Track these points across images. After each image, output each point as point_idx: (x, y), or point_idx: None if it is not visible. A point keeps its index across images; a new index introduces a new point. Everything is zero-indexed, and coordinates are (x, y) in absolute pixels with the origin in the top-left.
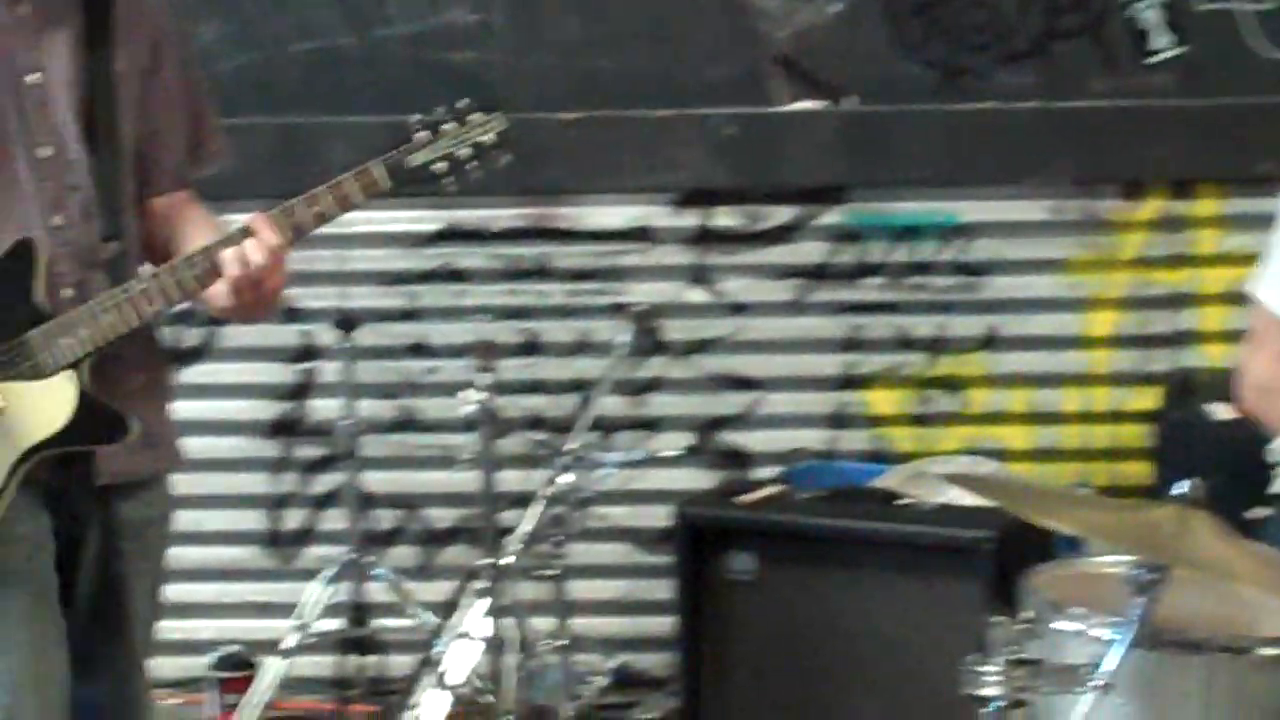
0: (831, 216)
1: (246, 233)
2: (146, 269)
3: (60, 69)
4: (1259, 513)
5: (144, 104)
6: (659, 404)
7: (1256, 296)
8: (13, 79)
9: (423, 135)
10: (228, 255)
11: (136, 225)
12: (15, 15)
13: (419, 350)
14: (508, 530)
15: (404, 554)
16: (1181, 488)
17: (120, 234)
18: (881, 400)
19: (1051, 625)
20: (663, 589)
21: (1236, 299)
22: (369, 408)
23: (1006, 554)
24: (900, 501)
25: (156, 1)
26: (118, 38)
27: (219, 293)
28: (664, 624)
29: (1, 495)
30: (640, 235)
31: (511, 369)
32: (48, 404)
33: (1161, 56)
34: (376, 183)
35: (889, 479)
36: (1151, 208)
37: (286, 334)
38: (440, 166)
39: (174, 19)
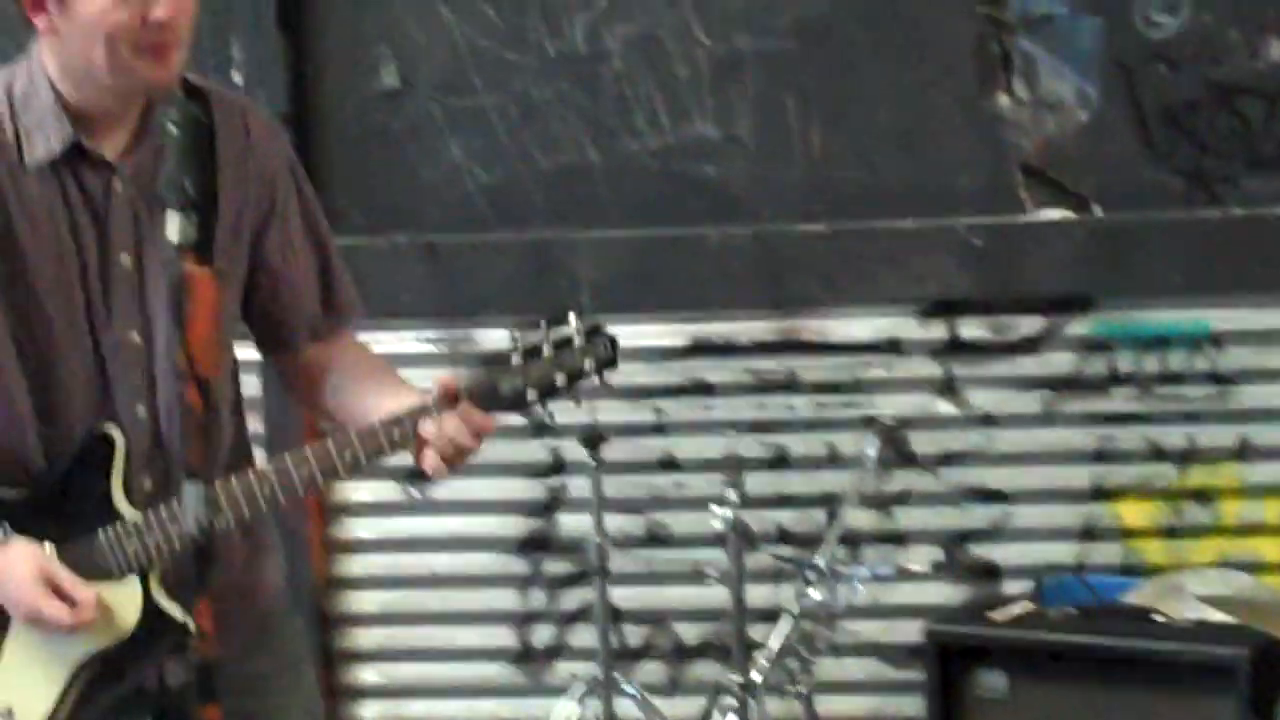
0: (1080, 326)
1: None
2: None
3: (156, 248)
4: None
5: (264, 265)
6: (907, 517)
7: None
8: (104, 259)
9: (518, 361)
10: (429, 437)
11: (235, 422)
12: (110, 190)
13: (667, 465)
14: (757, 646)
15: (653, 670)
16: None
17: (210, 429)
18: (1132, 512)
19: None
20: (912, 706)
21: None
22: (617, 523)
23: (1262, 672)
24: (1152, 618)
25: (275, 155)
26: (226, 201)
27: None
28: None
29: (63, 699)
30: (887, 347)
31: (759, 483)
32: (112, 611)
33: None
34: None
35: (1140, 593)
36: None
37: (535, 450)
38: (531, 395)
39: (295, 170)
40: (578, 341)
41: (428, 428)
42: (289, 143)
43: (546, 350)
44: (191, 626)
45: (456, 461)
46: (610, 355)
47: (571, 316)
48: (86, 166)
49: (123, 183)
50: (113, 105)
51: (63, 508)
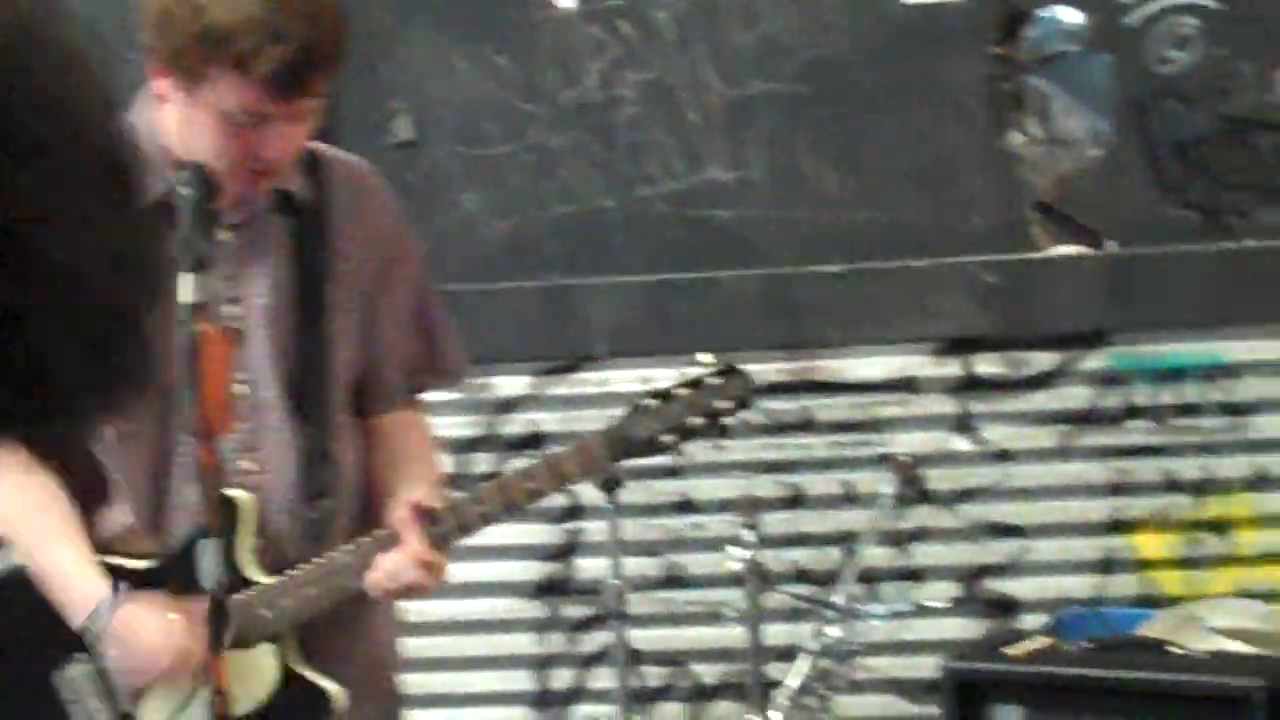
0: (1094, 361)
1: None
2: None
3: (262, 301)
4: None
5: (365, 329)
6: (924, 554)
7: None
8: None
9: (653, 405)
10: (374, 578)
11: (352, 480)
12: (217, 240)
13: (684, 507)
14: (775, 685)
15: (672, 711)
16: None
17: (327, 491)
18: (1149, 544)
19: None
20: None
21: None
22: (635, 565)
23: (1278, 702)
24: (1170, 650)
25: (387, 218)
26: (337, 262)
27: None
28: None
29: None
30: (903, 385)
31: (776, 523)
32: (246, 678)
33: None
34: (595, 461)
35: (1157, 625)
36: None
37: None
38: (668, 438)
39: (405, 232)
40: (711, 381)
41: (372, 576)
42: (401, 207)
43: (681, 392)
44: (333, 692)
45: (403, 596)
46: (745, 393)
47: (701, 356)
48: None
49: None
50: None
51: (189, 574)
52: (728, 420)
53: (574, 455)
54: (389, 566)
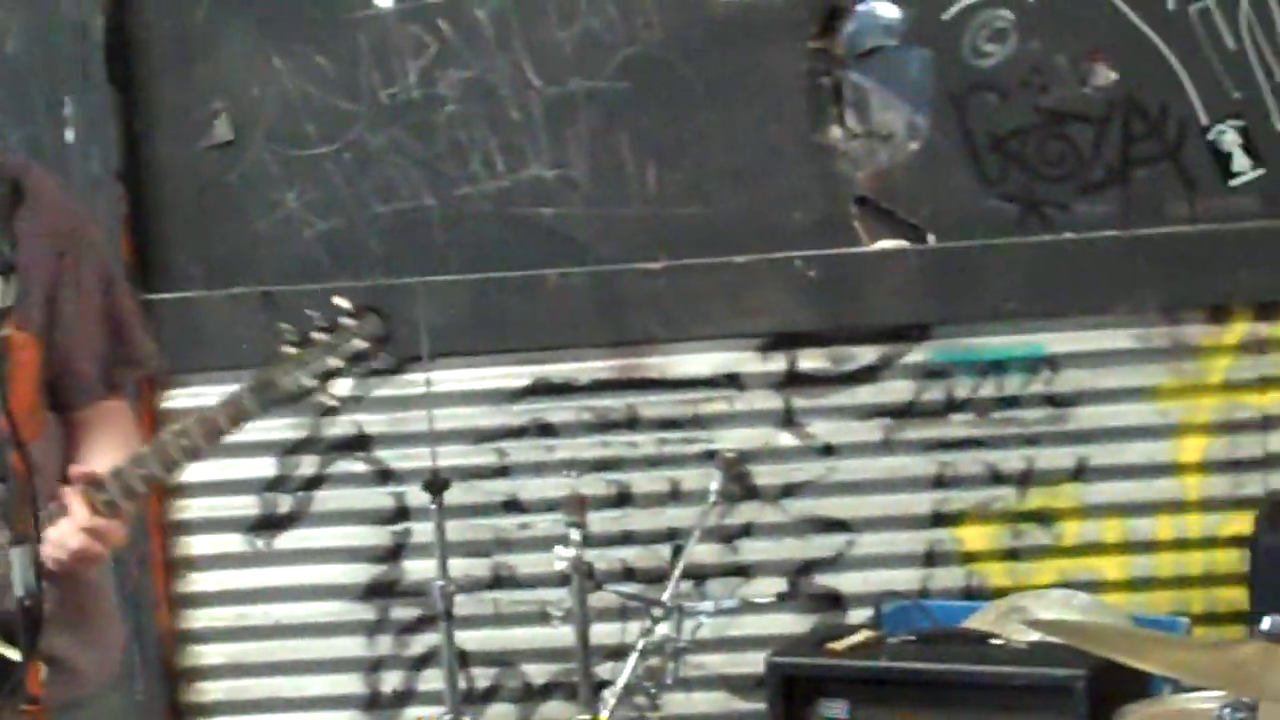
0: (917, 354)
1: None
2: None
3: None
4: None
5: (53, 327)
6: (751, 550)
7: None
8: None
9: (292, 351)
10: (44, 550)
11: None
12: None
13: (511, 506)
14: (604, 683)
15: (502, 712)
16: (1266, 624)
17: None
18: (973, 536)
19: None
20: None
21: None
22: (463, 566)
23: (1100, 692)
24: (991, 642)
25: (62, 217)
26: (32, 266)
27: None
28: None
29: None
30: (728, 382)
31: (603, 521)
32: None
33: (1242, 179)
34: (246, 410)
35: (981, 617)
36: (1237, 331)
37: (379, 497)
38: (311, 383)
39: (86, 230)
40: (347, 323)
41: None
42: (81, 206)
43: (319, 336)
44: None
45: (76, 564)
46: (381, 331)
47: (336, 299)
48: None
49: None
50: None
51: None
52: (366, 361)
53: (224, 408)
54: (55, 536)
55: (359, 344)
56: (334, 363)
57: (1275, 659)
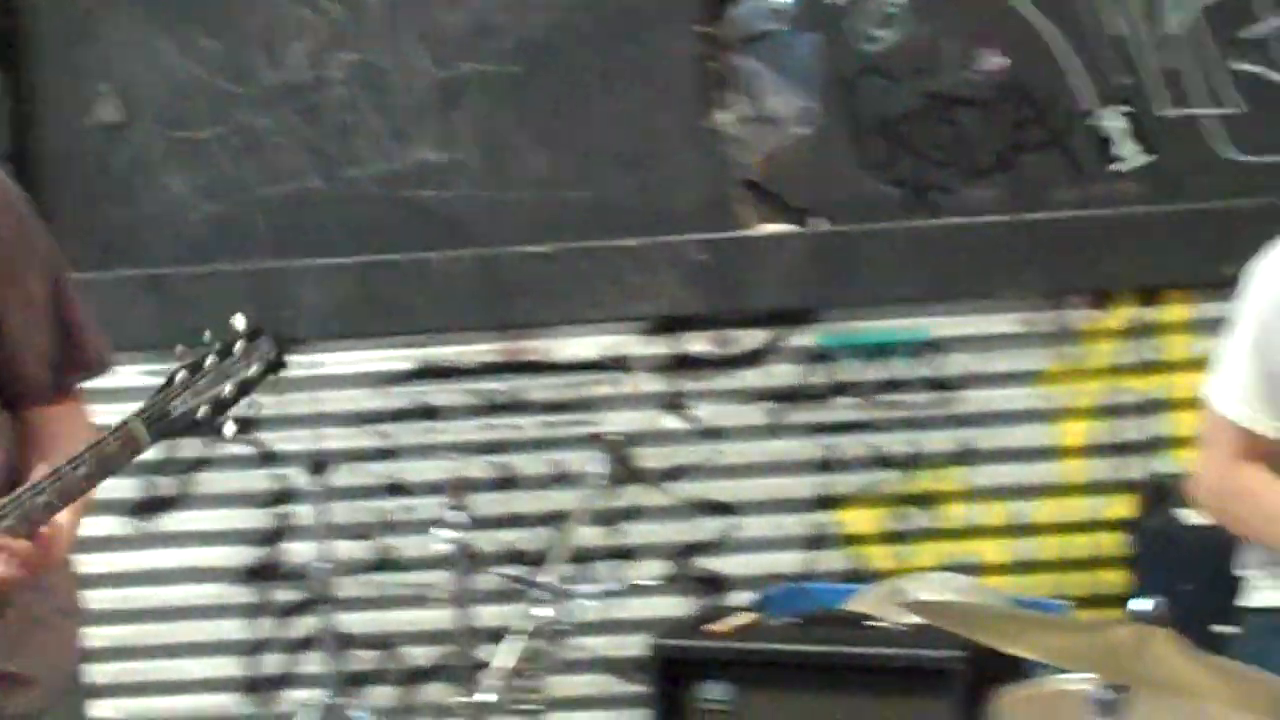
0: (803, 338)
1: None
2: None
3: None
4: (1226, 629)
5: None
6: (635, 533)
7: (1207, 398)
8: None
9: (183, 376)
10: None
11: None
12: None
13: (394, 489)
14: (486, 666)
15: (383, 695)
16: (1142, 606)
17: None
18: (857, 520)
19: None
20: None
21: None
22: (345, 549)
23: (978, 674)
24: (872, 624)
25: (4, 213)
26: None
27: None
28: None
29: None
30: (613, 365)
31: (487, 504)
32: None
33: (1127, 165)
34: (138, 441)
35: (863, 600)
36: (1121, 316)
37: (261, 479)
38: (204, 412)
39: (30, 227)
40: (239, 348)
41: None
42: (25, 201)
43: (210, 362)
44: None
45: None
46: (274, 356)
47: (234, 321)
48: None
49: None
50: None
51: None
52: (261, 387)
53: (117, 440)
54: None
55: (252, 371)
56: (227, 391)
57: (1148, 641)
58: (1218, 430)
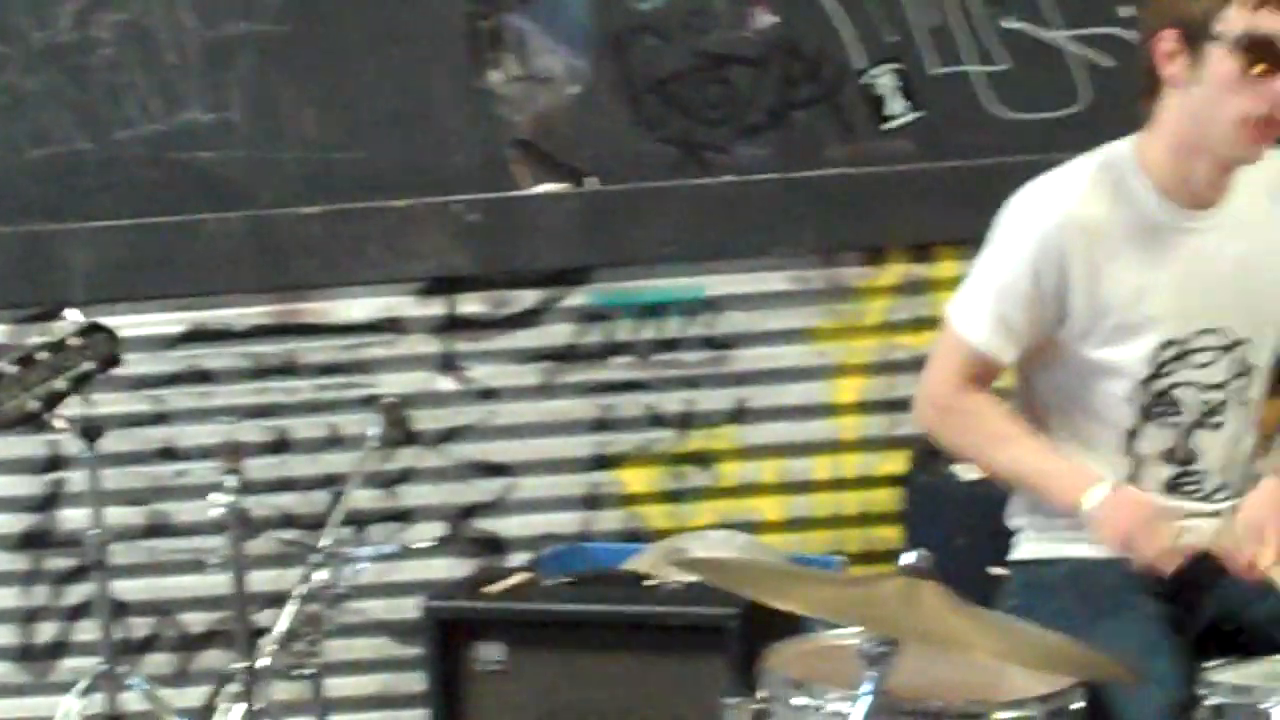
0: (577, 298)
1: None
2: None
3: None
4: (998, 571)
5: None
6: (412, 495)
7: (949, 317)
8: None
9: (13, 371)
10: None
11: None
12: None
13: (167, 454)
14: (263, 631)
15: (159, 661)
16: (908, 559)
17: None
18: (634, 479)
19: (790, 702)
20: (417, 682)
21: None
22: (118, 515)
23: (753, 631)
24: (647, 583)
25: None
26: None
27: None
28: (420, 717)
29: None
30: (387, 326)
31: (261, 468)
32: None
33: (898, 122)
34: None
35: (641, 559)
36: (894, 273)
37: (32, 445)
38: (34, 406)
39: None
40: (74, 341)
41: None
42: None
43: (43, 356)
44: None
45: None
46: (112, 352)
47: (67, 314)
48: None
49: None
50: None
51: None
52: (98, 379)
53: None
54: None
55: (87, 365)
56: (59, 385)
57: (915, 594)
58: (953, 350)
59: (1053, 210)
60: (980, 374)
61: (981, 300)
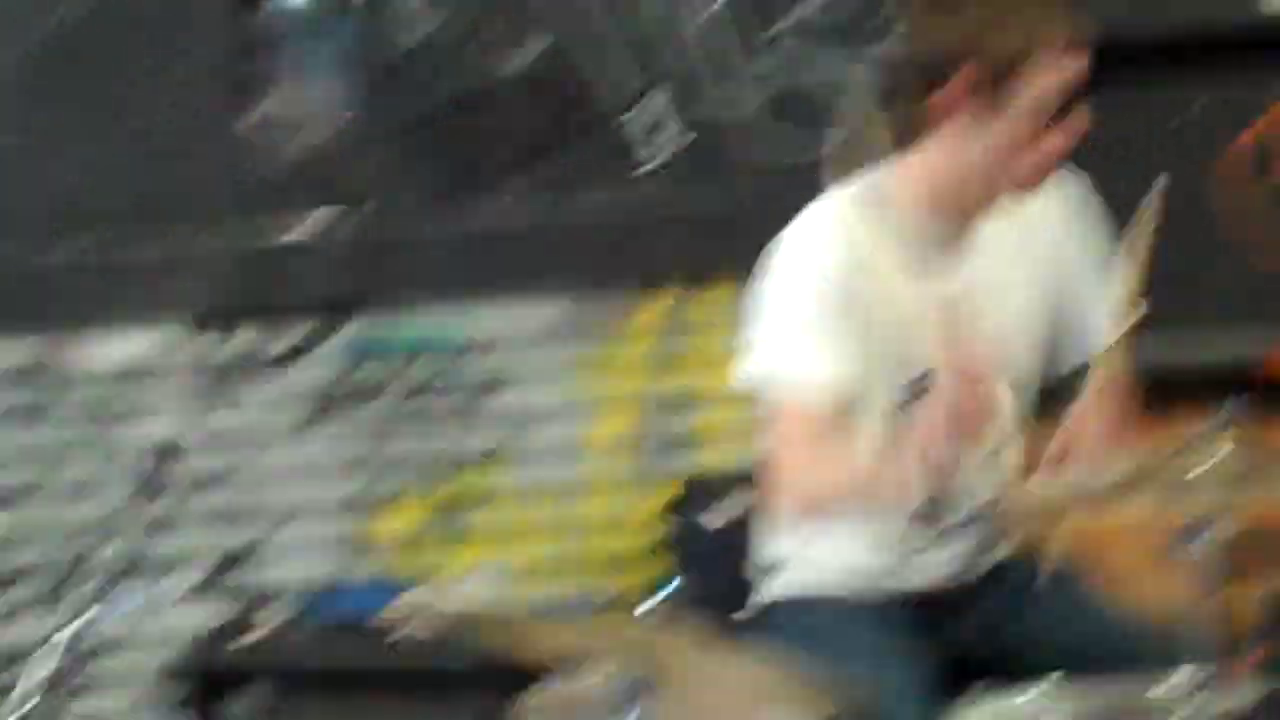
0: (339, 336)
1: None
2: None
3: None
4: (748, 613)
5: None
6: (168, 544)
7: (758, 386)
8: None
9: None
10: None
11: None
12: None
13: None
14: (8, 690)
15: None
16: (660, 600)
17: None
18: (392, 524)
19: None
20: None
21: (739, 399)
22: None
23: (500, 680)
24: (398, 632)
25: None
26: None
27: None
28: None
29: None
30: (148, 368)
31: (14, 517)
32: None
33: (662, 159)
34: None
35: (394, 607)
36: (655, 311)
37: None
38: None
39: None
40: None
41: None
42: None
43: None
44: None
45: None
46: None
47: None
48: None
49: None
50: None
51: None
52: None
53: None
54: None
55: None
56: None
57: (666, 635)
58: (792, 419)
59: (828, 243)
60: (826, 427)
61: (795, 343)
